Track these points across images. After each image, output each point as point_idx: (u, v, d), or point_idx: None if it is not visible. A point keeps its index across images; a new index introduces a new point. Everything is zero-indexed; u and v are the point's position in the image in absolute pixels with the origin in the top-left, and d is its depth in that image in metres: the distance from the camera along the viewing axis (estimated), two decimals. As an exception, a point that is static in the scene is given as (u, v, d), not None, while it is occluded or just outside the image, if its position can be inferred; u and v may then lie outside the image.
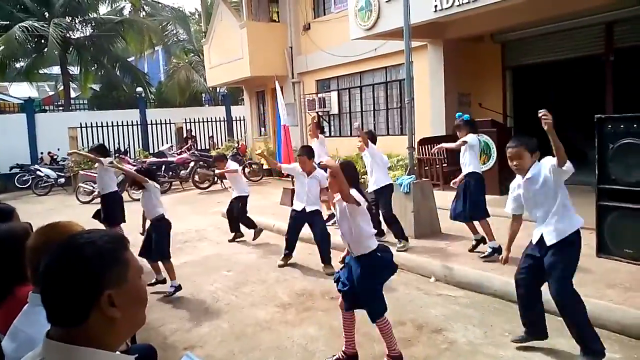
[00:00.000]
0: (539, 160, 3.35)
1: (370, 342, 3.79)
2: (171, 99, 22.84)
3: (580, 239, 3.30)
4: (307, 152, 5.97)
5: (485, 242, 5.49)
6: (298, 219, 5.95)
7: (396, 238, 5.99)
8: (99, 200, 7.35)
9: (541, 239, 3.31)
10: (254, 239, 7.32)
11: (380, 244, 3.51)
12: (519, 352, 3.55)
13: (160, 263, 5.44)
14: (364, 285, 3.35)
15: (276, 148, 9.47)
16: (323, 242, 5.77)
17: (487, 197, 5.72)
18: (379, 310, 3.35)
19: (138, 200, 6.99)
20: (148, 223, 5.61)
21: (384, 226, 6.29)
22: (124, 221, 6.90)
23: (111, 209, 6.78)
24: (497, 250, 5.23)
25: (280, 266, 6.00)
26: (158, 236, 5.33)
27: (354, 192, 3.31)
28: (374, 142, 6.29)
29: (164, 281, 5.45)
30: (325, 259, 5.74)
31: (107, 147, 8.98)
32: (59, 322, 1.13)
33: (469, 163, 5.53)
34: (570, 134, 11.85)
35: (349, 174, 3.41)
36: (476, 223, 5.60)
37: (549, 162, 3.22)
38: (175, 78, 23.16)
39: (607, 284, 4.31)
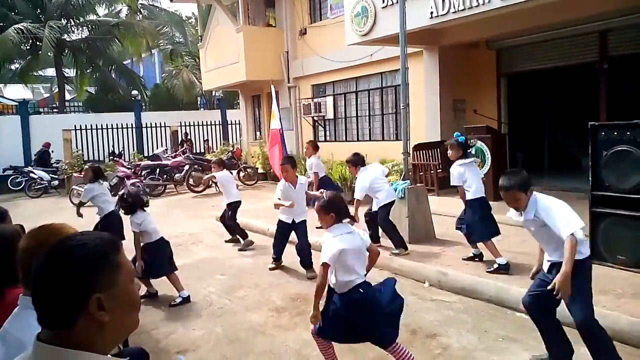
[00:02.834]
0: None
1: (365, 347, 3.77)
2: (174, 100, 23.08)
3: (589, 264, 3.16)
4: (290, 161, 6.08)
5: (482, 260, 5.43)
6: (285, 228, 6.02)
7: (396, 248, 5.97)
8: (91, 205, 7.10)
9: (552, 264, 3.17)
10: (240, 250, 7.22)
11: (365, 283, 3.18)
12: (512, 358, 3.55)
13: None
14: (358, 327, 3.16)
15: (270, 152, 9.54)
16: (304, 253, 5.81)
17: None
18: (387, 341, 3.17)
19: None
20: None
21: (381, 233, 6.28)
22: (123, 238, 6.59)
23: (111, 231, 6.48)
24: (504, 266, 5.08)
25: (271, 269, 6.06)
26: (148, 257, 5.15)
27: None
28: (363, 164, 6.20)
29: (155, 294, 5.31)
30: (306, 264, 5.78)
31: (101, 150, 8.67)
32: (48, 325, 1.12)
33: (469, 189, 5.42)
34: (564, 140, 11.99)
35: (334, 208, 3.25)
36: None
37: (545, 210, 3.06)
38: (180, 78, 23.65)
39: (600, 290, 4.30)
